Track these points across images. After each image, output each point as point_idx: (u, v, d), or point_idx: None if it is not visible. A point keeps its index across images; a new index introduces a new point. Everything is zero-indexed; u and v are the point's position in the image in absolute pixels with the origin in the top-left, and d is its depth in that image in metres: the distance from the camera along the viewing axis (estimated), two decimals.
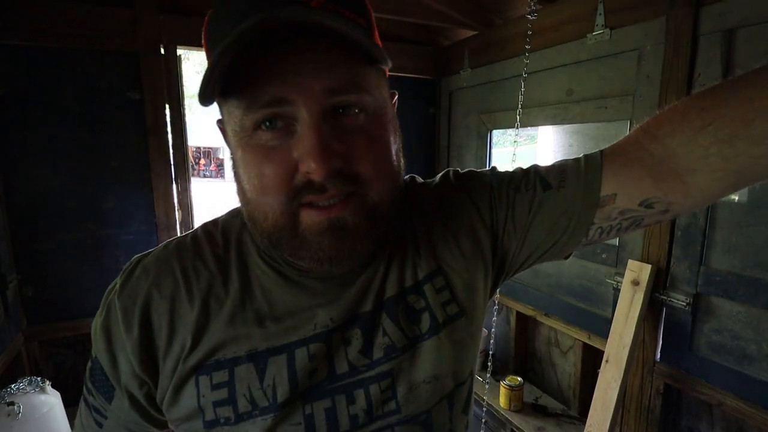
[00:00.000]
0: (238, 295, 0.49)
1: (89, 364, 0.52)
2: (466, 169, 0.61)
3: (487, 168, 0.61)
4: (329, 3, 0.39)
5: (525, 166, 0.59)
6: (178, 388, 0.48)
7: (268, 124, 0.41)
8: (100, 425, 0.52)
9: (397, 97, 0.52)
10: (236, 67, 0.38)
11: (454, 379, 0.53)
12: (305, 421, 0.47)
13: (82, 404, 0.54)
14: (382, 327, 0.50)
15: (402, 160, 0.49)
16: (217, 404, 0.47)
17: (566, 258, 0.59)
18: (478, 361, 0.61)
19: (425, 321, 0.52)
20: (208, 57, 0.43)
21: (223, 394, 0.47)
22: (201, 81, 0.39)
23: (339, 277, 0.50)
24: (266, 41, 0.38)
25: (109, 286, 0.52)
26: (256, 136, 0.41)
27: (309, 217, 0.42)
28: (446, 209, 0.56)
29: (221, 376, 0.47)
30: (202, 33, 0.45)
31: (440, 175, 0.61)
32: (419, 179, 0.61)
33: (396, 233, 0.53)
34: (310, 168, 0.39)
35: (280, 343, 0.48)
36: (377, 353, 0.49)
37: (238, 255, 0.51)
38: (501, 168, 0.61)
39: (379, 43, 0.45)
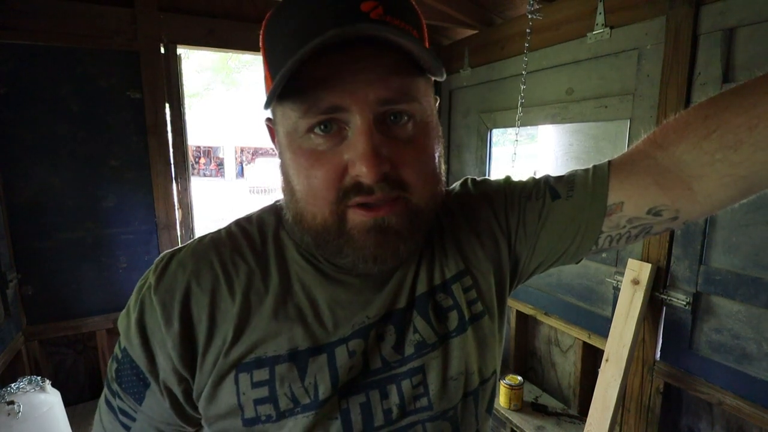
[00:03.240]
0: (279, 291, 0.50)
1: (114, 365, 0.51)
2: (482, 178, 0.63)
3: (488, 171, 0.63)
4: (387, 14, 0.41)
5: (537, 176, 0.61)
6: (217, 384, 0.47)
7: (323, 127, 0.43)
8: (127, 428, 0.51)
9: (438, 101, 0.53)
10: (296, 73, 0.40)
11: (480, 376, 0.54)
12: (341, 416, 0.48)
13: (103, 408, 0.52)
14: (413, 324, 0.52)
15: (443, 166, 0.51)
16: (257, 402, 0.47)
17: (577, 262, 0.60)
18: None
19: (453, 319, 0.53)
20: (268, 61, 0.45)
21: (264, 392, 0.47)
22: (272, 86, 0.40)
23: (375, 275, 0.52)
24: (325, 48, 0.39)
25: (139, 284, 0.51)
26: (309, 140, 0.43)
27: (356, 217, 0.44)
28: (468, 214, 0.58)
29: (262, 374, 0.47)
30: (261, 36, 0.47)
31: (459, 183, 0.63)
32: None
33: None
34: (361, 171, 0.41)
35: (322, 342, 0.49)
36: (408, 349, 0.51)
37: (276, 251, 0.52)
38: (501, 172, 0.62)
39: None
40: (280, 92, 0.41)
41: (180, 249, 0.52)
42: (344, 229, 0.45)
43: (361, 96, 0.41)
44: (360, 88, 0.41)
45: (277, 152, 0.50)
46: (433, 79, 0.48)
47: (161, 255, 0.52)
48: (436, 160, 0.48)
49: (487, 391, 0.56)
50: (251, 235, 0.53)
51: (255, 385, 0.47)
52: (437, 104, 0.52)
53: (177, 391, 0.48)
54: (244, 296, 0.49)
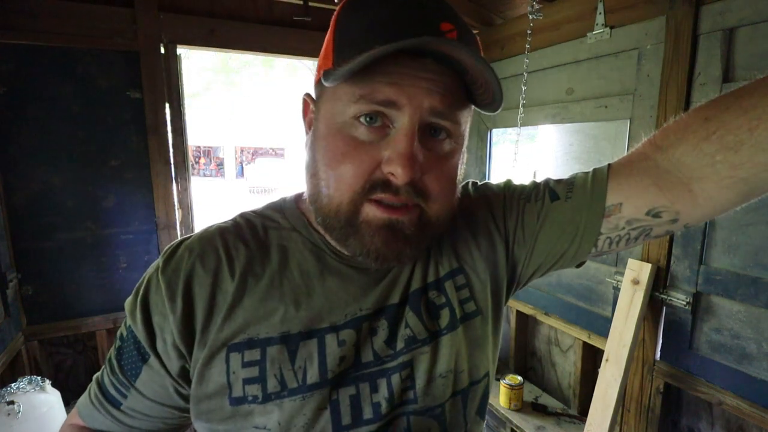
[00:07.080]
0: (275, 275, 0.52)
1: (117, 344, 0.53)
2: (483, 181, 0.65)
3: (488, 171, 0.64)
4: (461, 40, 0.43)
5: (539, 179, 0.61)
6: (208, 361, 0.49)
7: (369, 119, 0.44)
8: (118, 405, 0.52)
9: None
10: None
11: (470, 376, 0.55)
12: (331, 407, 0.49)
13: (94, 387, 0.54)
14: (405, 319, 0.53)
15: (461, 178, 0.53)
16: (246, 381, 0.48)
17: (578, 266, 0.60)
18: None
19: (444, 316, 0.54)
20: (337, 39, 0.46)
21: (253, 372, 0.48)
22: (347, 65, 0.40)
23: (374, 269, 0.53)
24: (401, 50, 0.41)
25: (148, 270, 0.53)
26: (352, 126, 0.45)
27: (371, 212, 0.45)
28: (466, 215, 0.59)
29: (253, 354, 0.49)
30: (337, 12, 0.47)
31: (461, 186, 0.64)
32: None
33: None
34: (396, 171, 0.43)
35: (313, 327, 0.50)
36: (399, 344, 0.52)
37: (278, 240, 0.54)
38: (501, 172, 0.63)
39: None
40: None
41: (189, 236, 0.55)
42: (356, 221, 0.46)
43: (418, 100, 0.43)
44: (419, 92, 0.43)
45: (307, 129, 0.52)
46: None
47: (172, 242, 0.55)
48: (458, 180, 0.50)
49: (477, 393, 0.56)
50: (255, 226, 0.55)
51: (245, 364, 0.48)
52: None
53: (175, 366, 0.50)
54: (242, 277, 0.51)
